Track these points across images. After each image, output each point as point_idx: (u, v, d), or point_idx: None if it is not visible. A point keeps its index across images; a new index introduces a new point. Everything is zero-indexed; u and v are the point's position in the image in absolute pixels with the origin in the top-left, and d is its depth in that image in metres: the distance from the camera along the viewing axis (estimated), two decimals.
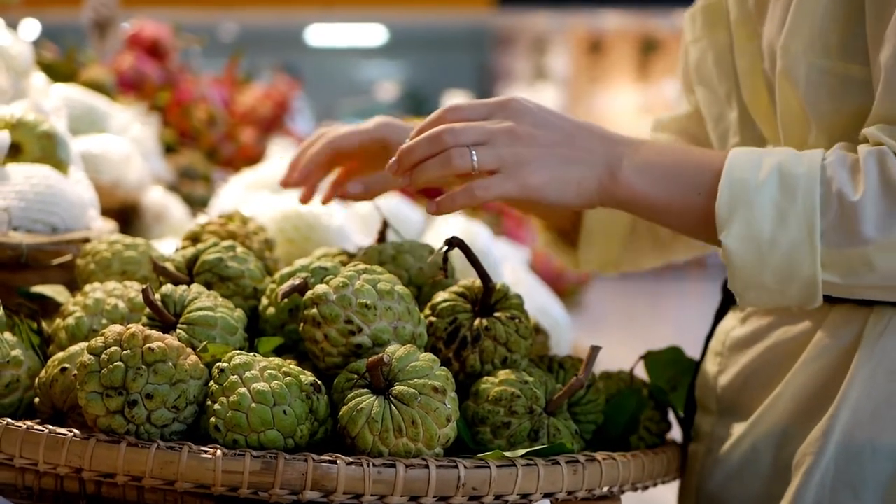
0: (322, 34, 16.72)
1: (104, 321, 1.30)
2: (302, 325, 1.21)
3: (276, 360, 1.15)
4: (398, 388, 1.13)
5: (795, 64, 1.26)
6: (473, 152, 1.19)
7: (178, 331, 1.20)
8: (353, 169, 1.53)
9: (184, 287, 1.25)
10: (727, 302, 1.50)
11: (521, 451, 1.16)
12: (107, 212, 1.83)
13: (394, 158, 1.23)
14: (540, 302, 2.19)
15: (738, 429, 1.40)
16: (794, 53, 1.26)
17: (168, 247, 1.78)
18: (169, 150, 3.14)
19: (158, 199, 2.45)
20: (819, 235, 1.16)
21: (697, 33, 1.48)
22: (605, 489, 1.21)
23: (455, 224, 2.20)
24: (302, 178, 1.49)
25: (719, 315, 1.51)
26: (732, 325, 1.46)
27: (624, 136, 1.26)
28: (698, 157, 1.25)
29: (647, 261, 1.63)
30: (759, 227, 1.18)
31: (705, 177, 1.22)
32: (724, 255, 1.20)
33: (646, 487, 1.29)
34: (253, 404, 1.10)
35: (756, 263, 1.19)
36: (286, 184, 1.51)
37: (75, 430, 1.11)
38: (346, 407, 1.13)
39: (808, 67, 1.26)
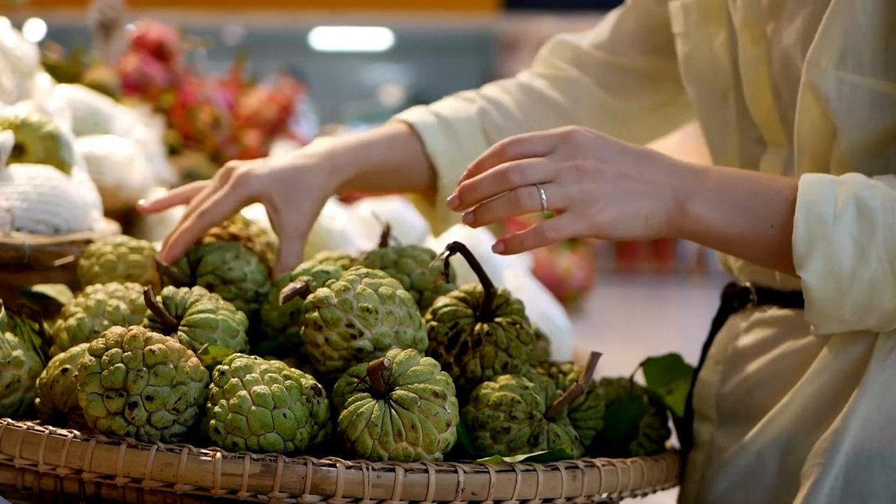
0: (327, 38, 16.73)
1: (105, 322, 1.30)
2: (303, 328, 1.21)
3: (277, 363, 1.15)
4: (398, 392, 1.13)
5: (824, 78, 1.25)
6: (542, 192, 1.16)
7: (179, 333, 1.20)
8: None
9: (185, 289, 1.25)
10: (725, 310, 1.50)
11: (521, 457, 1.16)
12: (110, 213, 1.84)
13: (454, 194, 1.20)
14: (541, 308, 2.19)
15: (740, 438, 1.39)
16: (823, 68, 1.24)
17: None
18: (172, 152, 3.15)
19: None
20: None
21: (690, 27, 1.46)
22: (605, 495, 1.21)
23: (457, 229, 2.19)
24: (170, 257, 1.40)
25: (717, 323, 1.50)
26: (734, 334, 1.45)
27: (689, 165, 1.23)
28: (767, 186, 1.22)
29: None
30: (838, 263, 1.16)
31: (778, 208, 1.20)
32: (804, 290, 1.18)
33: (645, 494, 1.29)
34: (253, 407, 1.10)
35: (836, 299, 1.17)
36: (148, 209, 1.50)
37: (75, 431, 1.11)
38: (346, 411, 1.13)
39: (838, 83, 1.24)
